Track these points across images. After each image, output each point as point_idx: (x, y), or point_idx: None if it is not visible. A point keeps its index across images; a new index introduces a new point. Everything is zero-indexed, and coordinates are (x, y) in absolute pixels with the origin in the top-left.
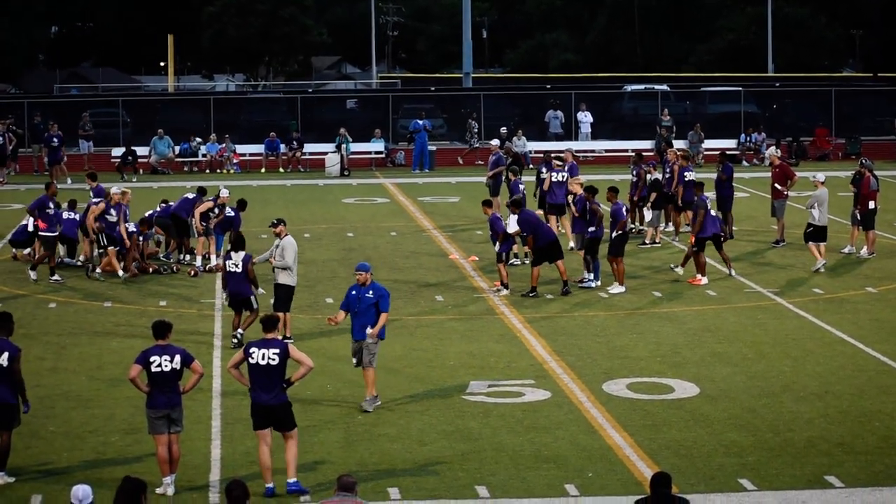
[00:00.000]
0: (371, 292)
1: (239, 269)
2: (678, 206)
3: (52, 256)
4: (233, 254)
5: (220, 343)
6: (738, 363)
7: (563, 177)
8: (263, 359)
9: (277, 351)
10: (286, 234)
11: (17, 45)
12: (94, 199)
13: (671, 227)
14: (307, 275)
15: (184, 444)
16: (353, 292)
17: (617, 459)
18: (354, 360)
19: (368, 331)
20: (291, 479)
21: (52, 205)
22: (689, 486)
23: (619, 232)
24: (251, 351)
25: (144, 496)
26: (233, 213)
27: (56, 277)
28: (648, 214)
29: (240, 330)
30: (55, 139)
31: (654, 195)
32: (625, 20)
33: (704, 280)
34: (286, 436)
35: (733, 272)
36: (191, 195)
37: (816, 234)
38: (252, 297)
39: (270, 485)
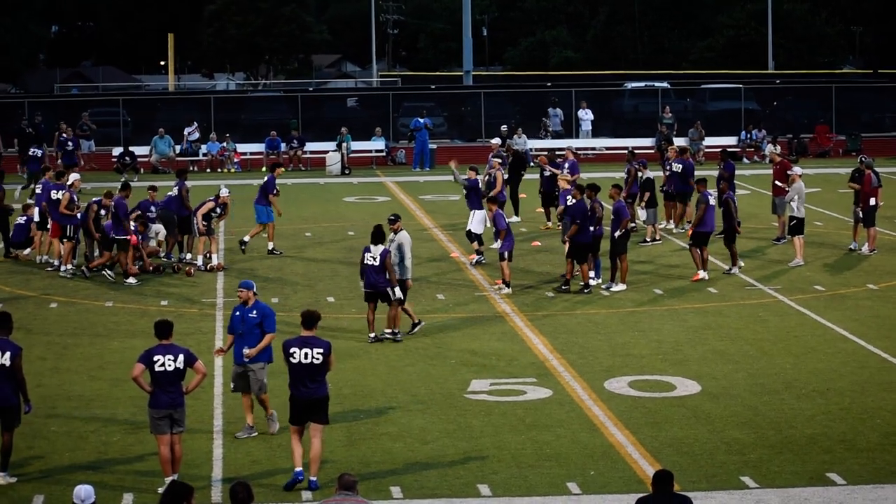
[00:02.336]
0: (255, 312)
1: (377, 263)
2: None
3: (126, 257)
4: (371, 247)
5: (221, 342)
6: (739, 360)
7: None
8: (307, 358)
9: (322, 351)
10: (401, 230)
11: (17, 45)
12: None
13: (673, 224)
14: (308, 273)
15: (186, 444)
16: (237, 312)
17: (619, 457)
18: (233, 385)
19: (246, 351)
20: (314, 478)
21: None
22: (691, 484)
23: (622, 230)
24: (292, 351)
25: (189, 501)
26: (267, 178)
27: (132, 280)
28: (643, 214)
29: (387, 330)
30: (70, 143)
31: (647, 194)
32: (625, 17)
33: (702, 274)
34: (316, 430)
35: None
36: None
37: (798, 226)
38: (389, 290)
39: (300, 468)
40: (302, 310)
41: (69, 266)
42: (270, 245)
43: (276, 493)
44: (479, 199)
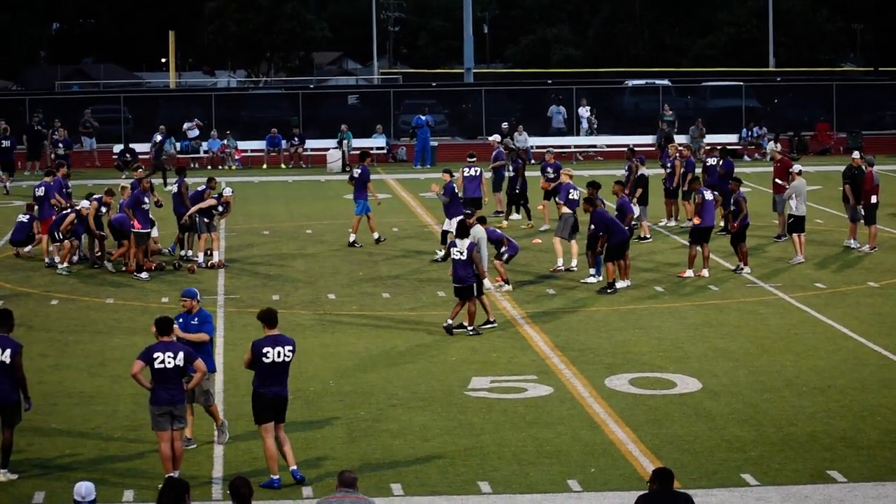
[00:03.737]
0: (196, 319)
1: (464, 257)
2: (686, 196)
3: (140, 252)
4: (457, 241)
5: (222, 340)
6: (739, 358)
7: (476, 171)
8: (279, 356)
9: (291, 348)
10: (474, 224)
11: (18, 42)
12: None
13: (674, 222)
14: (309, 270)
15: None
16: (180, 320)
17: (619, 455)
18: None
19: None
20: (294, 467)
21: (146, 200)
22: (692, 482)
23: (626, 226)
24: (265, 350)
25: (188, 496)
26: (360, 170)
27: (144, 275)
28: (636, 211)
29: (451, 321)
30: (61, 144)
31: (639, 191)
32: (626, 14)
33: (689, 272)
34: (280, 429)
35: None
36: (201, 187)
37: (797, 224)
38: (474, 285)
39: (277, 476)
40: (261, 310)
41: (65, 264)
42: (376, 235)
43: (276, 491)
44: (459, 205)
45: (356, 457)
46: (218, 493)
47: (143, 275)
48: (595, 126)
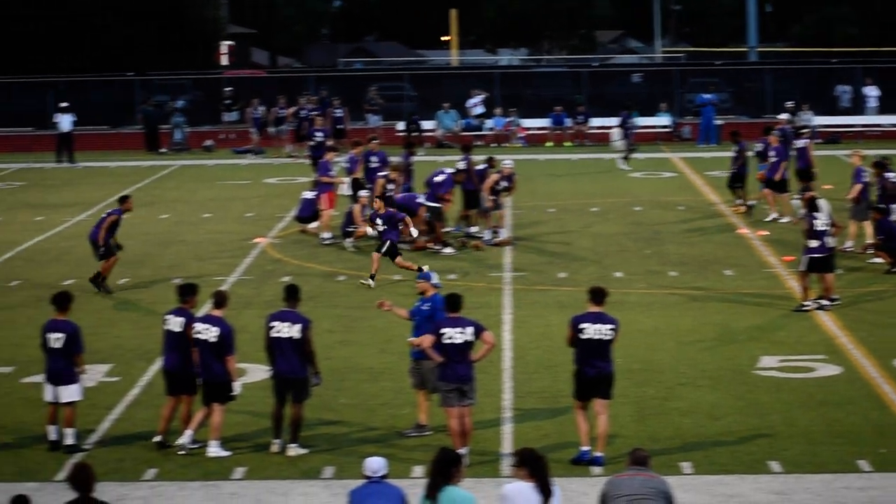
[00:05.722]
0: (428, 305)
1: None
2: None
3: (439, 227)
4: (816, 213)
5: (510, 317)
6: None
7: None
8: (597, 334)
9: (612, 327)
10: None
11: (301, 20)
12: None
13: None
14: (596, 248)
15: (476, 417)
16: (417, 302)
17: None
18: (411, 381)
19: (409, 339)
20: (600, 454)
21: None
22: None
23: None
24: (582, 326)
25: (457, 468)
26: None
27: (446, 248)
28: None
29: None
30: (320, 133)
31: None
32: None
33: None
34: (602, 406)
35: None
36: (481, 166)
37: None
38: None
39: (586, 448)
40: (591, 286)
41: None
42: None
43: (566, 467)
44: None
45: (645, 435)
46: (506, 469)
47: (446, 248)
48: None
